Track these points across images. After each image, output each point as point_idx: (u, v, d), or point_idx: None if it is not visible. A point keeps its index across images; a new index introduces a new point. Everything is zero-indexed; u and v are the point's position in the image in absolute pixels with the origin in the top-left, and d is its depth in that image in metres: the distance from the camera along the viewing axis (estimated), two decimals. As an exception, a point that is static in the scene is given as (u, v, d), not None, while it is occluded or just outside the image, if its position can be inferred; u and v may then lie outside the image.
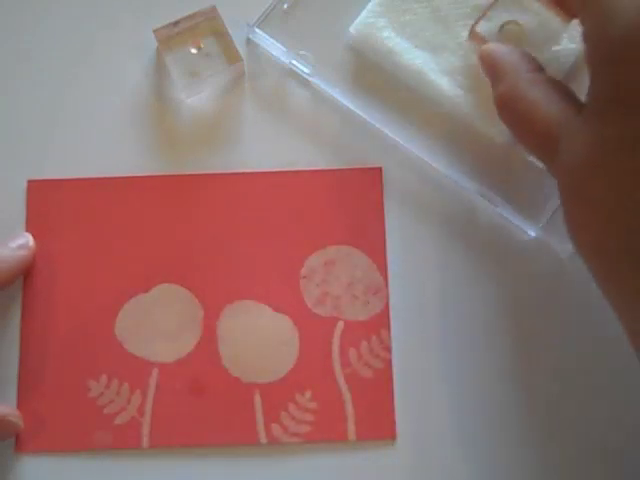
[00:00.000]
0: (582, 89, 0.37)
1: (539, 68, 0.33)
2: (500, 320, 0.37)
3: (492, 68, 0.34)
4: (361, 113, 0.39)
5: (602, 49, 0.29)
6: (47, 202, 0.38)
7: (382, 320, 0.37)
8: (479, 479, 0.36)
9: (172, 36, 0.39)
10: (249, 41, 0.40)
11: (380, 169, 0.39)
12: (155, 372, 0.37)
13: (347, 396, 0.36)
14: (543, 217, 0.37)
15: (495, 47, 0.35)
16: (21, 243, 0.37)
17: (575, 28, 0.38)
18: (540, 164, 0.38)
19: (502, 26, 0.38)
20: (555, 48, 0.38)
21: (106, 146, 0.39)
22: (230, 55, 0.39)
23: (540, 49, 0.38)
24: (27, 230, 0.38)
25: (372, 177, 0.39)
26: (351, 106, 0.39)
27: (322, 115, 0.39)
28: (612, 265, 0.29)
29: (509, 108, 0.33)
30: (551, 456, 0.36)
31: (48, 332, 0.37)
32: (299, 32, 0.40)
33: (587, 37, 0.29)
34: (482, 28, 0.37)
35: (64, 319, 0.37)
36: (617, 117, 0.28)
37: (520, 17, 0.38)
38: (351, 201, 0.38)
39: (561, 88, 0.32)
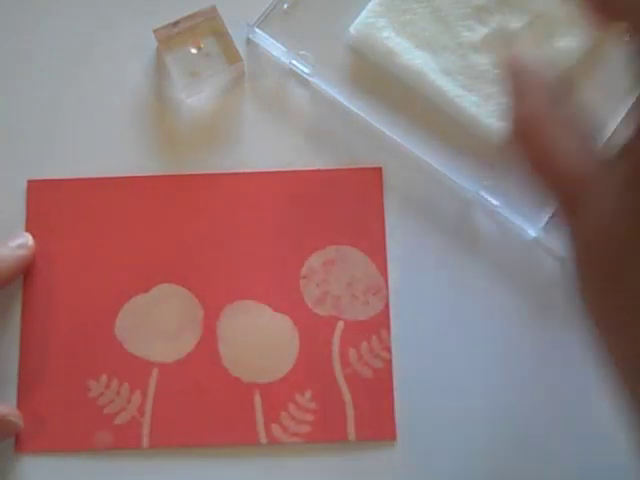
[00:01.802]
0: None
1: (571, 97, 0.27)
2: (500, 320, 0.37)
3: (515, 80, 0.28)
4: (361, 113, 0.39)
5: None
6: (47, 202, 0.38)
7: (382, 320, 0.37)
8: (479, 479, 0.36)
9: (172, 36, 0.39)
10: (249, 41, 0.40)
11: (380, 169, 0.39)
12: (155, 372, 0.37)
13: (347, 396, 0.36)
14: (543, 217, 0.37)
15: (522, 58, 0.28)
16: (20, 243, 0.37)
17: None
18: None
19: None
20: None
21: (106, 146, 0.39)
22: (230, 55, 0.39)
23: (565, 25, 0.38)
24: (27, 230, 0.38)
25: (372, 177, 0.39)
26: (351, 106, 0.39)
27: (322, 115, 0.39)
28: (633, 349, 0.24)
29: (528, 134, 0.27)
30: (550, 454, 0.36)
31: (48, 332, 0.37)
32: (299, 32, 0.40)
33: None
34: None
35: (64, 319, 0.37)
36: None
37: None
38: (351, 201, 0.38)
39: (584, 129, 0.26)
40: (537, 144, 0.26)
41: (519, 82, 0.28)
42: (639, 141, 0.23)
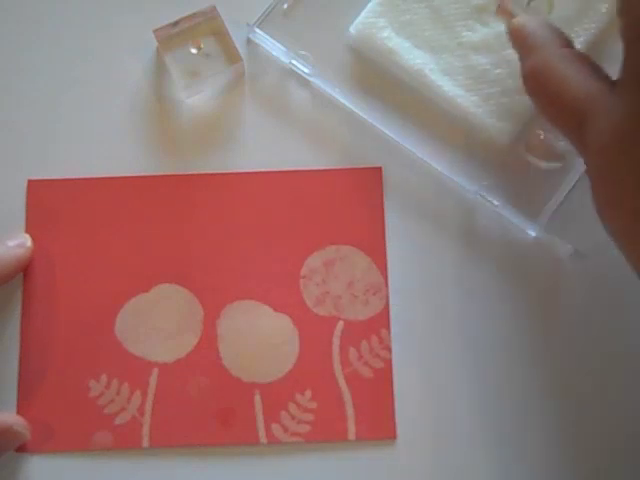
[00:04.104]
0: (607, 62, 0.36)
1: (570, 44, 0.33)
2: (500, 320, 0.37)
3: (522, 41, 0.33)
4: (361, 113, 0.39)
5: (637, 25, 0.28)
6: (47, 202, 0.38)
7: (382, 320, 0.37)
8: (479, 479, 0.36)
9: (172, 36, 0.39)
10: (249, 41, 0.40)
11: (380, 169, 0.39)
12: (155, 372, 0.37)
13: (347, 396, 0.36)
14: (543, 217, 0.37)
15: (526, 20, 0.34)
16: (19, 242, 0.37)
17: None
18: (541, 163, 0.38)
19: (529, 1, 0.37)
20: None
21: (106, 146, 0.39)
22: (230, 55, 0.39)
23: (567, 24, 0.38)
24: (27, 230, 0.38)
25: (372, 177, 0.39)
26: (351, 106, 0.39)
27: (322, 115, 0.39)
28: None
29: (538, 82, 0.32)
30: (549, 453, 0.36)
31: (48, 332, 0.37)
32: (299, 32, 0.40)
33: (622, 12, 0.29)
34: (510, 3, 0.37)
35: (64, 319, 0.37)
36: None
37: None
38: (351, 201, 0.38)
39: (593, 65, 0.32)
40: (545, 87, 0.32)
41: (523, 41, 0.33)
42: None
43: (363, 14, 0.39)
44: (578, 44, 0.39)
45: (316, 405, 0.36)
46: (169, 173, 0.39)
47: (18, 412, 0.36)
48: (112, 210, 0.38)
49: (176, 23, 0.39)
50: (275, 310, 0.37)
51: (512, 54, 0.38)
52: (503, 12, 0.37)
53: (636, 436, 0.36)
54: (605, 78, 0.31)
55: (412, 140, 0.38)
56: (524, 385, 0.37)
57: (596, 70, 0.31)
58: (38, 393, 0.36)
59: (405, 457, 0.36)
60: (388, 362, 0.37)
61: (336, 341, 0.37)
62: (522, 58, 0.33)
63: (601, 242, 0.37)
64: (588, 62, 0.32)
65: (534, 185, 0.38)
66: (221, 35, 0.39)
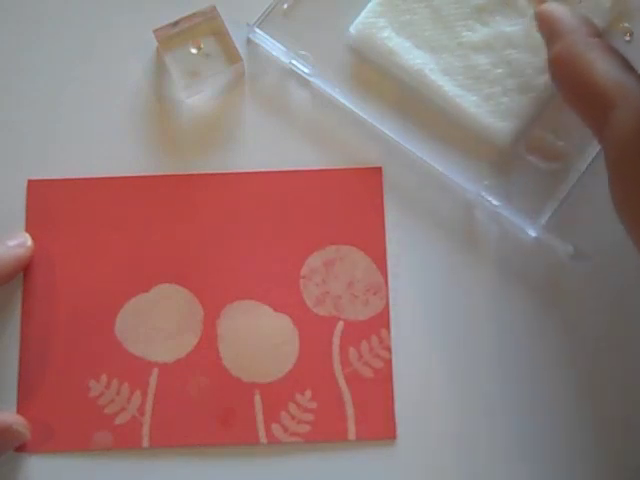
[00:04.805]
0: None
1: (599, 34, 0.32)
2: (500, 320, 0.37)
3: (550, 26, 0.33)
4: (361, 113, 0.39)
5: None
6: (47, 202, 0.38)
7: (382, 320, 0.37)
8: (479, 479, 0.36)
9: (172, 36, 0.39)
10: (249, 41, 0.40)
11: (380, 169, 0.39)
12: (155, 372, 0.37)
13: (347, 396, 0.36)
14: (543, 217, 0.37)
15: (555, 7, 0.34)
16: (19, 242, 0.37)
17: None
18: (541, 163, 0.38)
19: None
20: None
21: (106, 146, 0.39)
22: (230, 55, 0.39)
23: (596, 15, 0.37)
24: (27, 230, 0.38)
25: (372, 177, 0.39)
26: (351, 106, 0.39)
27: (322, 115, 0.39)
28: None
29: (565, 67, 0.32)
30: (550, 454, 0.36)
31: (48, 332, 0.37)
32: (299, 32, 0.40)
33: None
34: None
35: (64, 319, 0.37)
36: None
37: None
38: (351, 201, 0.38)
39: (620, 57, 0.31)
40: (571, 74, 0.31)
41: (550, 26, 0.33)
42: None
43: (363, 14, 0.39)
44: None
45: (316, 405, 0.36)
46: (169, 173, 0.39)
47: (18, 412, 0.36)
48: (112, 210, 0.38)
49: (176, 23, 0.39)
50: (275, 310, 0.37)
51: (512, 54, 0.39)
52: None
53: (637, 436, 0.36)
54: (632, 71, 0.31)
55: (412, 140, 0.38)
56: (522, 385, 0.37)
57: (623, 62, 0.31)
58: (38, 393, 0.36)
59: (405, 457, 0.36)
60: (388, 362, 0.37)
61: (336, 341, 0.37)
62: (548, 43, 0.33)
63: (601, 242, 0.38)
64: (616, 54, 0.31)
65: (534, 185, 0.38)
66: (221, 35, 0.39)
